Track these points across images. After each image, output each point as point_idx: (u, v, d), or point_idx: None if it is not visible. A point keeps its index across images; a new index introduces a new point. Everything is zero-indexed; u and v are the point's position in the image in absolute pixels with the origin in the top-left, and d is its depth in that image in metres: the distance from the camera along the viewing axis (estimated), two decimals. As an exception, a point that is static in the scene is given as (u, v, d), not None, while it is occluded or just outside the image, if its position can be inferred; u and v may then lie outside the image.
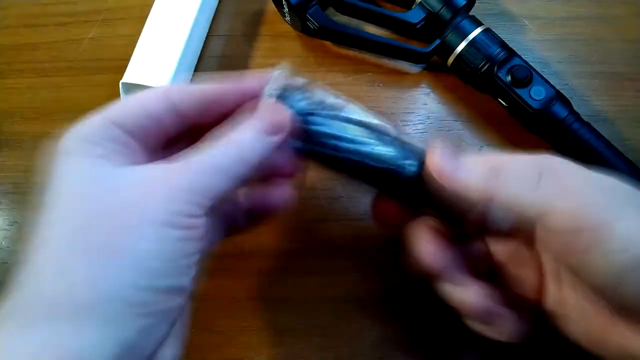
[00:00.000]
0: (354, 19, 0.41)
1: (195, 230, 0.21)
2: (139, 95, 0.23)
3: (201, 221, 0.21)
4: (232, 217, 0.27)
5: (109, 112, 0.22)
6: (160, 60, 0.36)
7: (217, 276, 0.34)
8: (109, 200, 0.20)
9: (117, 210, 0.20)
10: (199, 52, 0.40)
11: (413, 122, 0.38)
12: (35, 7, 0.43)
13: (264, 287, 0.34)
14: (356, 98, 0.39)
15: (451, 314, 0.31)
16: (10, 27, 0.42)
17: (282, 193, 0.27)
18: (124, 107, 0.23)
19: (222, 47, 0.40)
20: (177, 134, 0.25)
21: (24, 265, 0.19)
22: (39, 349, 0.17)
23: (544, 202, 0.22)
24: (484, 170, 0.24)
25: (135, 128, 0.22)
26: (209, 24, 0.40)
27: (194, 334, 0.33)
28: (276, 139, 0.24)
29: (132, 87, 0.36)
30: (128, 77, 0.36)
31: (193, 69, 0.39)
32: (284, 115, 0.24)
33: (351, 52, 0.40)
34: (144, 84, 0.35)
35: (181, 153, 0.22)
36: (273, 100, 0.25)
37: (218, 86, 0.25)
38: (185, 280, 0.21)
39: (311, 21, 0.38)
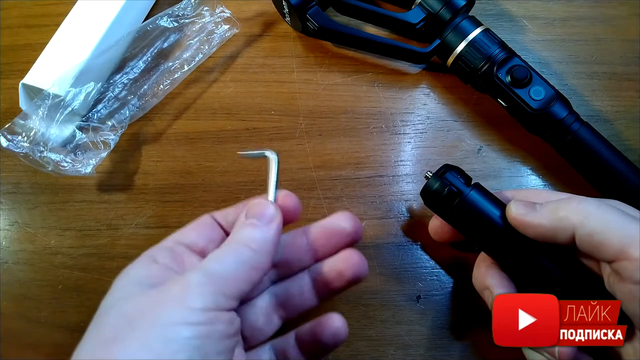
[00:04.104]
0: (353, 20, 0.41)
1: (217, 325, 0.21)
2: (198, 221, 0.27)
3: (225, 316, 0.22)
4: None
5: (175, 235, 0.26)
6: (63, 67, 0.36)
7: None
8: (131, 311, 0.21)
9: (135, 319, 0.21)
10: (118, 61, 0.39)
11: (413, 122, 0.38)
12: (35, 7, 0.43)
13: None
14: (356, 98, 0.39)
15: (450, 315, 0.31)
16: (10, 27, 0.42)
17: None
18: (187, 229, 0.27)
19: (223, 47, 0.41)
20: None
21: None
22: None
23: (626, 243, 0.24)
24: (565, 202, 0.26)
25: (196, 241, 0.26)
26: (135, 34, 0.39)
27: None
28: (273, 226, 0.25)
29: (31, 90, 0.36)
30: (28, 79, 0.36)
31: (106, 78, 0.39)
32: (269, 206, 0.26)
33: (351, 53, 0.40)
34: (43, 87, 0.35)
35: None
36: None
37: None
38: None
39: (311, 21, 0.38)
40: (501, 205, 0.28)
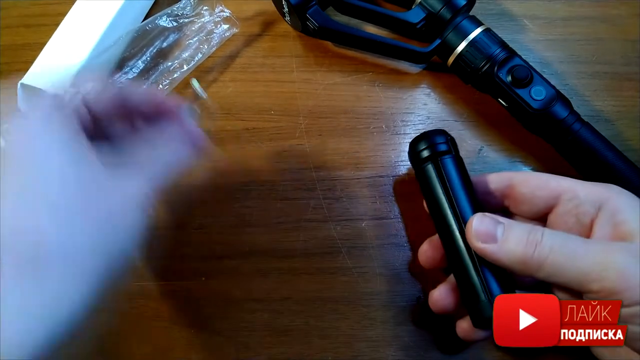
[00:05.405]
0: (353, 19, 0.41)
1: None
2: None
3: None
4: None
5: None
6: (62, 67, 0.36)
7: (216, 277, 0.34)
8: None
9: None
10: (117, 61, 0.39)
11: (413, 122, 0.38)
12: (35, 6, 0.43)
13: (263, 288, 0.34)
14: (356, 98, 0.39)
15: (450, 316, 0.31)
16: (9, 27, 0.42)
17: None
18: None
19: (223, 47, 0.40)
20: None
21: None
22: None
23: (584, 281, 0.24)
24: (523, 242, 0.25)
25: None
26: (134, 34, 0.39)
27: (193, 334, 0.33)
28: None
29: (30, 90, 0.36)
30: (27, 79, 0.36)
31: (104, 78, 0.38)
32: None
33: (351, 52, 0.40)
34: (42, 87, 0.35)
35: None
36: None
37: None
38: None
39: (311, 21, 0.38)
40: (469, 194, 0.29)
